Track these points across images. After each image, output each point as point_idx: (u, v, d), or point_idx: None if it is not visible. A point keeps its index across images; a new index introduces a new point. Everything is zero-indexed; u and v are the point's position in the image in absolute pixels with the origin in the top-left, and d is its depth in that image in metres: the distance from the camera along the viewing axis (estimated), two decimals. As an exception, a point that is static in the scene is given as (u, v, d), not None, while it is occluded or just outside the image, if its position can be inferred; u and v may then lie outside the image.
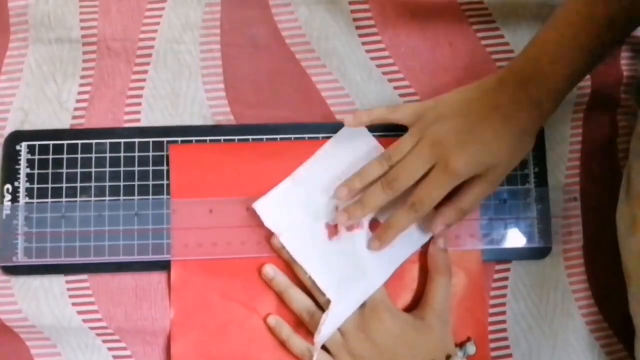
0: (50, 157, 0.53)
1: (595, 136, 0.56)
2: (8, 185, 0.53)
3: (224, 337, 0.52)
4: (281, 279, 0.52)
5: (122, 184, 0.53)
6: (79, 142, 0.54)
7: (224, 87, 0.55)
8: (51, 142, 0.54)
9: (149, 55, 0.55)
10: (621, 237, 0.51)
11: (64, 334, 0.53)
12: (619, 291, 0.51)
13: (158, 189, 0.53)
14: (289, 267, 0.52)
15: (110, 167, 0.53)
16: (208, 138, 0.54)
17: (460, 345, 0.52)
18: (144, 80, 0.55)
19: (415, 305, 0.53)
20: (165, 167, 0.53)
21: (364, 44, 0.56)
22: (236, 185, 0.53)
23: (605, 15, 0.45)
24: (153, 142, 0.54)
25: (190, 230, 0.52)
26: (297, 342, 0.51)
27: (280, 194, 0.52)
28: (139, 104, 0.55)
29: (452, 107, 0.50)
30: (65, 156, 0.53)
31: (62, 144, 0.54)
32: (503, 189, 0.54)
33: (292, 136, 0.54)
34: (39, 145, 0.54)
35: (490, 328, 0.54)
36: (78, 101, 0.55)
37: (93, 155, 0.54)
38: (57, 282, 0.53)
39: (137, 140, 0.54)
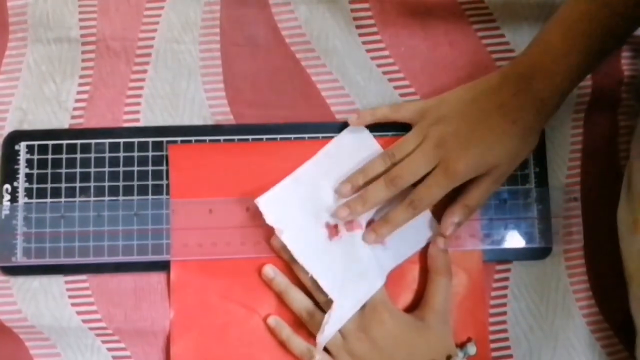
0: (49, 157, 0.53)
1: (596, 136, 0.56)
2: (7, 185, 0.53)
3: (223, 338, 0.52)
4: (281, 280, 0.52)
5: (121, 184, 0.53)
6: (78, 142, 0.54)
7: (224, 87, 0.55)
8: (50, 142, 0.54)
9: (149, 55, 0.55)
10: (622, 238, 0.51)
11: (63, 334, 0.53)
12: (620, 291, 0.51)
13: (157, 189, 0.53)
14: (289, 267, 0.52)
15: (109, 167, 0.53)
16: (208, 138, 0.54)
17: (461, 345, 0.52)
18: (143, 80, 0.55)
19: (415, 305, 0.53)
20: (164, 167, 0.53)
21: (364, 43, 0.56)
22: (236, 185, 0.53)
23: (608, 14, 0.45)
24: (152, 142, 0.54)
25: (189, 230, 0.52)
26: (296, 342, 0.51)
27: (282, 192, 0.52)
28: (139, 103, 0.54)
29: (456, 106, 0.50)
30: (64, 156, 0.53)
31: (61, 144, 0.53)
32: (503, 189, 0.54)
33: (292, 136, 0.54)
34: (38, 145, 0.53)
35: (491, 328, 0.54)
36: (77, 101, 0.54)
37: (92, 155, 0.53)
38: (56, 283, 0.53)
39: (136, 140, 0.54)
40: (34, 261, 0.52)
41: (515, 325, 0.54)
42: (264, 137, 0.54)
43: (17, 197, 0.53)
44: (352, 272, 0.51)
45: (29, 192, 0.53)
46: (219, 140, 0.54)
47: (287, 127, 0.54)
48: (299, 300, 0.52)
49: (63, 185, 0.53)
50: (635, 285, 0.49)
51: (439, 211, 0.53)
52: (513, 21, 0.56)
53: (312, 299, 0.52)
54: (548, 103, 0.49)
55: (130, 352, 0.52)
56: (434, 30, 0.56)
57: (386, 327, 0.50)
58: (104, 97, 0.54)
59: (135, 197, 0.53)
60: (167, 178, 0.53)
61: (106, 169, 0.53)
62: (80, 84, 0.55)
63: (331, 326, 0.49)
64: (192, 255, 0.52)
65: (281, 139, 0.54)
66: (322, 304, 0.51)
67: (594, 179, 0.56)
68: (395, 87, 0.56)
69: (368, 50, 0.56)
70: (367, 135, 0.54)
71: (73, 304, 0.53)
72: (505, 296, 0.54)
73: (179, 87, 0.55)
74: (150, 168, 0.53)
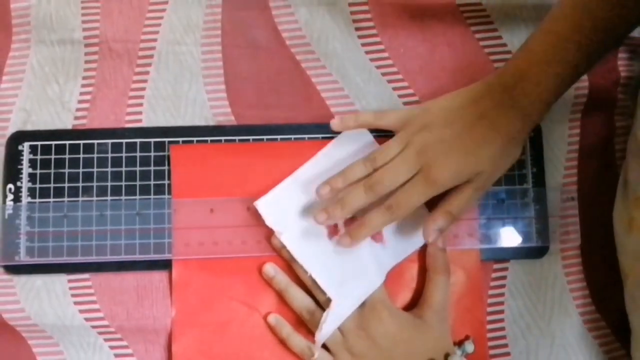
0: (53, 157, 0.54)
1: (592, 136, 0.57)
2: (10, 185, 0.53)
3: (224, 336, 0.52)
4: (281, 278, 0.52)
5: (123, 183, 0.54)
6: (81, 142, 0.54)
7: (225, 88, 0.55)
8: (53, 143, 0.54)
9: (151, 56, 0.55)
10: (618, 237, 0.51)
11: (66, 332, 0.53)
12: (617, 290, 0.52)
13: (159, 189, 0.54)
14: (290, 266, 0.53)
15: (112, 167, 0.54)
16: (209, 138, 0.54)
17: (459, 343, 0.53)
18: (145, 81, 0.55)
19: (414, 304, 0.53)
20: (166, 167, 0.54)
21: (363, 45, 0.56)
22: (237, 185, 0.53)
23: (591, 27, 0.46)
24: (154, 142, 0.54)
25: (191, 229, 0.53)
26: (297, 340, 0.52)
27: (282, 193, 0.52)
28: (141, 104, 0.55)
29: (439, 114, 0.50)
30: (67, 156, 0.54)
31: (64, 144, 0.54)
32: (501, 189, 0.55)
33: (293, 136, 0.55)
34: (41, 145, 0.54)
35: (489, 327, 0.54)
36: (80, 102, 0.55)
37: (95, 156, 0.54)
38: (59, 281, 0.53)
39: (138, 140, 0.54)
40: (37, 260, 0.52)
41: (513, 323, 0.55)
42: (265, 137, 0.55)
43: (21, 196, 0.53)
44: (351, 271, 0.51)
45: (32, 192, 0.53)
46: (220, 141, 0.54)
47: (287, 128, 0.55)
48: (299, 299, 0.52)
49: (66, 185, 0.53)
50: (629, 284, 0.50)
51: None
52: (510, 23, 0.57)
53: (312, 297, 0.52)
54: (531, 113, 0.49)
55: (133, 350, 0.53)
56: (432, 32, 0.57)
57: (385, 325, 0.50)
58: (107, 98, 0.55)
59: (137, 197, 0.53)
60: (169, 178, 0.54)
61: (109, 169, 0.54)
62: (83, 85, 0.55)
63: (329, 324, 0.50)
64: (194, 254, 0.53)
65: (281, 139, 0.55)
66: (322, 303, 0.51)
67: (590, 179, 0.56)
68: (395, 89, 0.56)
69: (367, 52, 0.56)
70: (367, 136, 0.54)
71: (76, 303, 0.53)
72: (502, 295, 0.55)
73: (181, 88, 0.55)
74: (152, 168, 0.54)
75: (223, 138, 0.54)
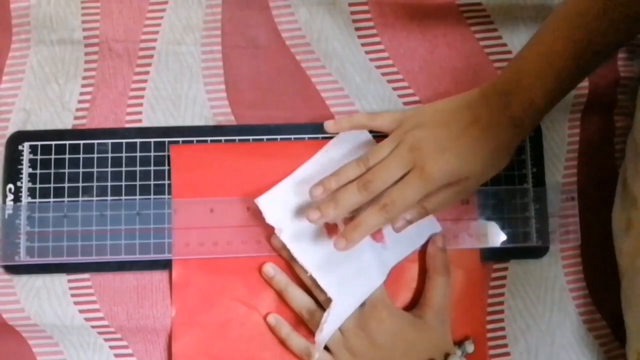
0: (53, 157, 0.54)
1: (592, 136, 0.57)
2: (10, 185, 0.53)
3: (224, 336, 0.52)
4: (281, 278, 0.52)
5: (123, 183, 0.54)
6: (81, 142, 0.54)
7: (225, 88, 0.55)
8: (53, 143, 0.54)
9: (151, 56, 0.55)
10: (616, 238, 0.51)
11: (66, 332, 0.53)
12: (616, 290, 0.52)
13: (159, 189, 0.54)
14: (289, 266, 0.53)
15: (112, 167, 0.54)
16: (209, 138, 0.54)
17: (459, 343, 0.53)
18: (145, 81, 0.55)
19: (414, 304, 0.53)
20: (166, 167, 0.54)
21: (363, 45, 0.57)
22: (237, 185, 0.53)
23: (587, 37, 0.46)
24: (154, 142, 0.54)
25: (191, 229, 0.53)
26: (296, 340, 0.52)
27: (282, 192, 0.52)
28: (141, 104, 0.55)
29: (434, 116, 0.50)
30: (67, 156, 0.54)
31: (64, 144, 0.54)
32: (501, 189, 0.55)
33: (292, 136, 0.55)
34: (41, 145, 0.54)
35: (489, 327, 0.55)
36: (80, 102, 0.55)
37: (95, 156, 0.54)
38: (59, 282, 0.53)
39: (138, 140, 0.54)
40: (37, 260, 0.52)
41: (513, 323, 0.55)
42: (265, 137, 0.55)
43: (21, 197, 0.53)
44: (351, 271, 0.51)
45: (32, 192, 0.53)
46: (220, 141, 0.54)
47: (287, 128, 0.55)
48: (299, 299, 0.52)
49: (66, 185, 0.53)
50: (625, 284, 0.50)
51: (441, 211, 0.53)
52: (510, 23, 0.57)
53: (312, 297, 0.52)
54: (523, 122, 0.49)
55: (133, 350, 0.53)
56: (432, 32, 0.57)
57: (385, 325, 0.50)
58: (107, 98, 0.55)
59: (137, 197, 0.53)
60: (169, 178, 0.54)
61: (109, 169, 0.54)
62: (83, 85, 0.55)
63: (330, 325, 0.50)
64: (194, 254, 0.53)
65: (281, 139, 0.55)
66: (322, 302, 0.51)
67: (590, 179, 0.56)
68: (394, 89, 0.56)
69: (367, 52, 0.56)
70: (366, 135, 0.54)
71: (76, 303, 0.53)
72: (502, 295, 0.55)
73: (181, 88, 0.55)
74: (152, 168, 0.54)
75: (223, 138, 0.54)
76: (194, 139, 0.54)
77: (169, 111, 0.55)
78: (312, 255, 0.51)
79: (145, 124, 0.55)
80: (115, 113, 0.55)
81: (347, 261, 0.51)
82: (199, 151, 0.54)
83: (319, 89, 0.56)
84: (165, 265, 0.53)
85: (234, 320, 0.53)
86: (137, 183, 0.54)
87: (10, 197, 0.53)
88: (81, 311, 0.53)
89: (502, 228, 0.54)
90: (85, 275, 0.53)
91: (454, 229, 0.54)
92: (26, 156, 0.54)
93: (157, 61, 0.55)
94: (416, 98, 0.56)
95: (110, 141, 0.54)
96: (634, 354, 0.49)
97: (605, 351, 0.55)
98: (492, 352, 0.54)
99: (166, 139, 0.54)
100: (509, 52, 0.56)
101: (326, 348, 0.51)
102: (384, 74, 0.56)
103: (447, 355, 0.51)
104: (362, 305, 0.51)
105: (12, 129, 0.54)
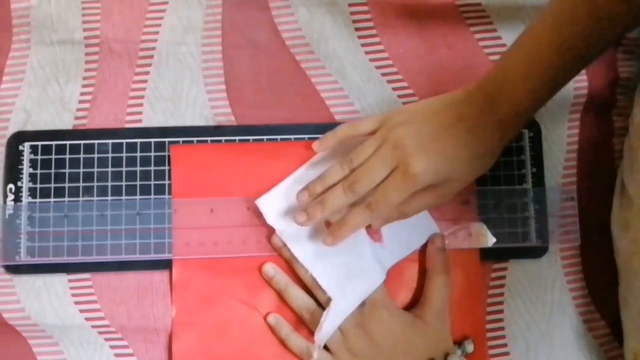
0: (53, 157, 0.54)
1: (591, 136, 0.57)
2: (11, 185, 0.54)
3: (224, 335, 0.52)
4: (281, 278, 0.53)
5: (124, 183, 0.54)
6: (82, 142, 0.54)
7: (225, 88, 0.56)
8: (54, 143, 0.54)
9: (151, 56, 0.56)
10: (615, 238, 0.51)
11: (66, 332, 0.53)
12: (616, 289, 0.52)
13: (160, 189, 0.54)
14: (289, 266, 0.53)
15: (112, 167, 0.54)
16: (209, 138, 0.54)
17: (459, 343, 0.53)
18: (145, 81, 0.55)
19: (414, 303, 0.53)
20: (166, 167, 0.54)
21: (363, 45, 0.57)
22: (237, 184, 0.53)
23: (572, 35, 0.46)
24: (155, 142, 0.54)
25: (191, 229, 0.53)
26: (296, 340, 0.52)
27: (283, 192, 0.52)
28: (141, 104, 0.55)
29: (418, 113, 0.49)
30: (67, 156, 0.54)
31: (65, 145, 0.54)
32: (501, 189, 0.55)
33: (292, 136, 0.55)
34: (42, 145, 0.54)
35: (488, 326, 0.55)
36: (80, 102, 0.55)
37: (95, 156, 0.54)
38: (59, 281, 0.53)
39: (138, 140, 0.54)
40: (37, 260, 0.53)
41: (512, 323, 0.55)
42: (265, 137, 0.55)
43: (21, 196, 0.53)
44: (352, 271, 0.51)
45: (32, 192, 0.53)
46: (220, 141, 0.54)
47: (287, 128, 0.55)
48: (299, 299, 0.52)
49: (66, 185, 0.54)
50: (622, 283, 0.50)
51: (437, 211, 0.53)
52: (510, 23, 0.57)
53: (312, 297, 0.52)
54: (508, 124, 0.48)
55: (133, 350, 0.53)
56: (432, 33, 0.57)
57: (385, 325, 0.50)
58: (107, 98, 0.55)
59: (137, 197, 0.53)
60: (169, 178, 0.54)
61: (109, 169, 0.54)
62: (84, 86, 0.55)
63: (329, 324, 0.50)
64: (194, 254, 0.53)
65: (281, 139, 0.55)
66: (322, 302, 0.51)
67: (589, 179, 0.56)
68: (394, 89, 0.56)
69: (367, 52, 0.57)
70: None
71: (76, 302, 0.53)
72: (502, 294, 0.55)
73: (181, 88, 0.55)
74: (152, 168, 0.54)
75: (223, 138, 0.54)
76: (194, 139, 0.54)
77: (169, 111, 0.55)
78: (312, 255, 0.51)
79: (145, 124, 0.55)
80: (115, 113, 0.55)
81: (347, 261, 0.51)
82: (199, 151, 0.54)
83: (319, 89, 0.56)
84: (166, 265, 0.53)
85: (234, 320, 0.53)
86: (138, 183, 0.54)
87: (11, 197, 0.53)
88: (81, 311, 0.53)
89: (502, 228, 0.54)
90: (86, 275, 0.53)
91: (453, 229, 0.54)
92: (27, 156, 0.54)
93: (157, 61, 0.55)
94: (416, 98, 0.56)
95: (110, 141, 0.54)
96: (630, 353, 0.49)
97: (605, 351, 0.56)
98: (491, 352, 0.54)
99: (166, 139, 0.54)
100: (509, 52, 0.57)
101: (326, 348, 0.51)
102: (384, 74, 0.56)
103: (447, 355, 0.51)
104: (362, 305, 0.51)
105: (12, 129, 0.55)
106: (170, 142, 0.54)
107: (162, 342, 0.53)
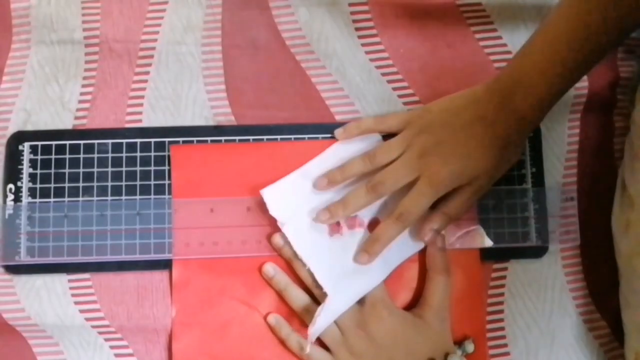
0: (53, 157, 0.54)
1: (592, 136, 0.57)
2: (11, 185, 0.54)
3: (224, 335, 0.52)
4: (281, 278, 0.53)
5: (124, 183, 0.54)
6: (81, 142, 0.54)
7: (225, 88, 0.56)
8: (54, 143, 0.54)
9: (151, 56, 0.55)
10: (615, 238, 0.51)
11: (66, 332, 0.53)
12: (616, 289, 0.52)
13: (160, 189, 0.54)
14: (289, 266, 0.53)
15: (112, 167, 0.54)
16: (209, 138, 0.54)
17: (459, 343, 0.53)
18: (145, 81, 0.55)
19: (414, 303, 0.53)
20: (166, 167, 0.54)
21: (363, 45, 0.57)
22: (237, 185, 0.53)
23: (588, 29, 0.46)
24: (155, 142, 0.54)
25: (191, 229, 0.53)
26: (296, 340, 0.52)
27: (288, 185, 0.53)
28: (141, 104, 0.55)
29: (439, 115, 0.51)
30: (67, 156, 0.54)
31: (65, 144, 0.54)
32: (501, 189, 0.55)
33: (292, 137, 0.55)
34: (42, 145, 0.54)
35: (489, 326, 0.55)
36: (80, 102, 0.55)
37: (95, 156, 0.54)
38: (59, 281, 0.53)
39: (138, 140, 0.54)
40: (37, 260, 0.53)
41: (513, 323, 0.55)
42: (265, 137, 0.55)
43: (21, 196, 0.53)
44: (349, 268, 0.51)
45: (32, 192, 0.53)
46: (220, 141, 0.54)
47: (287, 128, 0.55)
48: (299, 298, 0.52)
49: (66, 185, 0.54)
50: (623, 283, 0.50)
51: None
52: (510, 23, 0.57)
53: (312, 297, 0.52)
54: (528, 118, 0.49)
55: (133, 350, 0.53)
56: (432, 33, 0.57)
57: (385, 325, 0.50)
58: (107, 98, 0.55)
59: (137, 197, 0.53)
60: (169, 178, 0.54)
61: (109, 169, 0.54)
62: (84, 85, 0.55)
63: (323, 319, 0.50)
64: (194, 254, 0.53)
65: (281, 139, 0.55)
66: (318, 297, 0.52)
67: (590, 179, 0.56)
68: (394, 89, 0.56)
69: (367, 52, 0.56)
70: (376, 136, 0.54)
71: (76, 303, 0.53)
72: (502, 294, 0.55)
73: (181, 88, 0.55)
74: (152, 168, 0.54)
75: (223, 138, 0.54)
76: (194, 139, 0.54)
77: (169, 111, 0.55)
78: (312, 250, 0.52)
79: (145, 124, 0.55)
80: (115, 113, 0.55)
81: (346, 259, 0.52)
82: (199, 151, 0.54)
83: (319, 89, 0.56)
84: (166, 265, 0.53)
85: (234, 320, 0.53)
86: (138, 183, 0.54)
87: (11, 197, 0.53)
88: (81, 311, 0.53)
89: (502, 228, 0.54)
90: (86, 275, 0.53)
91: (454, 229, 0.54)
92: (26, 156, 0.54)
93: (157, 61, 0.55)
94: (416, 98, 0.56)
95: (110, 141, 0.54)
96: (632, 353, 0.49)
97: (605, 351, 0.56)
98: (492, 351, 0.54)
99: (166, 139, 0.54)
100: (509, 52, 0.56)
101: (326, 348, 0.51)
102: (384, 74, 0.56)
103: (447, 355, 0.51)
104: (362, 304, 0.51)
105: (12, 129, 0.54)
106: (170, 142, 0.54)
107: (162, 342, 0.53)
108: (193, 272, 0.53)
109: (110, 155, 0.54)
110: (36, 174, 0.54)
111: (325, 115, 0.56)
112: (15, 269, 0.53)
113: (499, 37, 0.57)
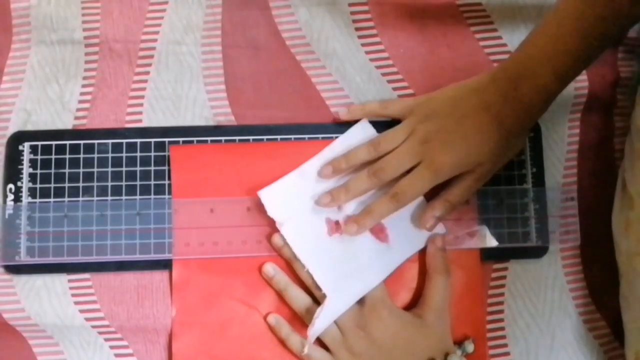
0: (53, 157, 0.54)
1: (592, 136, 0.57)
2: (11, 185, 0.54)
3: (224, 335, 0.52)
4: (281, 278, 0.53)
5: (124, 183, 0.54)
6: (81, 142, 0.54)
7: (225, 88, 0.56)
8: (54, 143, 0.54)
9: (151, 56, 0.55)
10: (616, 238, 0.51)
11: (66, 332, 0.53)
12: (616, 289, 0.52)
13: (160, 189, 0.54)
14: (289, 266, 0.53)
15: (112, 167, 0.54)
16: (209, 138, 0.54)
17: (459, 343, 0.53)
18: (145, 81, 0.55)
19: (414, 303, 0.53)
20: (166, 167, 0.54)
21: (363, 45, 0.57)
22: (237, 185, 0.53)
23: (594, 15, 0.46)
24: (154, 142, 0.54)
25: (191, 229, 0.53)
26: (296, 340, 0.52)
27: (286, 185, 0.53)
28: (141, 104, 0.55)
29: (444, 103, 0.51)
30: (67, 156, 0.54)
31: (65, 144, 0.54)
32: (501, 189, 0.55)
33: (292, 136, 0.55)
34: (42, 145, 0.54)
35: (489, 326, 0.55)
36: (80, 102, 0.55)
37: (95, 156, 0.54)
38: (59, 281, 0.53)
39: (138, 140, 0.54)
40: (37, 260, 0.53)
41: (513, 323, 0.55)
42: (265, 137, 0.55)
43: (21, 196, 0.53)
44: (348, 269, 0.51)
45: (32, 192, 0.53)
46: (220, 141, 0.54)
47: (287, 128, 0.55)
48: (299, 298, 0.52)
49: (66, 185, 0.54)
50: (623, 283, 0.50)
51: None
52: (510, 23, 0.57)
53: (312, 297, 0.52)
54: (533, 106, 0.49)
55: (133, 350, 0.53)
56: (432, 33, 0.57)
57: (385, 325, 0.50)
58: (107, 98, 0.55)
59: (137, 197, 0.53)
60: (169, 178, 0.54)
61: (109, 169, 0.54)
62: (84, 85, 0.55)
63: (322, 320, 0.50)
64: (194, 254, 0.53)
65: (281, 139, 0.55)
66: (317, 298, 0.52)
67: (590, 179, 0.56)
68: (394, 89, 0.56)
69: (367, 52, 0.56)
70: (372, 132, 0.54)
71: (76, 303, 0.53)
72: (502, 294, 0.55)
73: (181, 88, 0.55)
74: (152, 168, 0.54)
75: (223, 138, 0.54)
76: (194, 139, 0.54)
77: (169, 111, 0.55)
78: (311, 251, 0.52)
79: (145, 124, 0.55)
80: (115, 113, 0.55)
81: (345, 259, 0.52)
82: (199, 151, 0.54)
83: (319, 89, 0.56)
84: (166, 265, 0.53)
85: (234, 319, 0.53)
86: (138, 183, 0.54)
87: (11, 197, 0.53)
88: (81, 311, 0.53)
89: (502, 228, 0.54)
90: (86, 275, 0.53)
91: (454, 229, 0.54)
92: (26, 156, 0.54)
93: (157, 61, 0.55)
94: (416, 98, 0.56)
95: (110, 141, 0.54)
96: (632, 354, 0.49)
97: (605, 351, 0.56)
98: (492, 352, 0.54)
99: (166, 139, 0.54)
100: (509, 52, 0.56)
101: (326, 348, 0.51)
102: (384, 74, 0.56)
103: (447, 355, 0.51)
104: (362, 304, 0.51)
105: (12, 129, 0.55)
106: (170, 142, 0.54)
107: (162, 342, 0.53)
108: (193, 272, 0.53)
109: (110, 155, 0.54)
110: (36, 174, 0.54)
111: (325, 115, 0.56)
112: (15, 269, 0.53)
113: (499, 37, 0.57)
